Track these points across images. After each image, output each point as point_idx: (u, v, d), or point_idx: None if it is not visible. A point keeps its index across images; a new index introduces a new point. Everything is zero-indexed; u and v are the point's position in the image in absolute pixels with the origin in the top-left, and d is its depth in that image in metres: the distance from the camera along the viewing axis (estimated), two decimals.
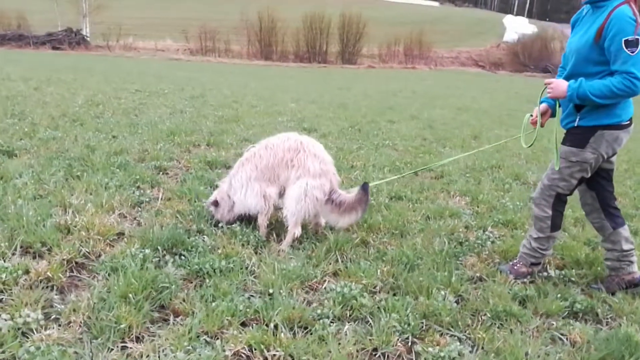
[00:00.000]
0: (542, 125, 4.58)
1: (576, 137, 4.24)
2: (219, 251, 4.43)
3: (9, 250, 4.03)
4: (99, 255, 4.18)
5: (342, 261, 4.51)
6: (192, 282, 3.95)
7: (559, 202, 4.49)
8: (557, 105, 4.51)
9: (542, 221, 4.54)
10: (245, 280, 3.99)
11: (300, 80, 35.66)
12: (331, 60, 61.11)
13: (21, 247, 4.12)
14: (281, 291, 3.79)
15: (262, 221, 5.00)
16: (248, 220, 5.16)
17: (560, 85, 4.11)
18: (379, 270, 4.30)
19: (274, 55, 60.39)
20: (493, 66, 64.72)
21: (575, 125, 4.22)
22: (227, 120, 12.11)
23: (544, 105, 4.56)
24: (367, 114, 16.15)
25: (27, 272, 3.71)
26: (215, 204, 5.13)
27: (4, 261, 3.80)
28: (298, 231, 4.84)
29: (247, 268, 4.20)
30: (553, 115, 4.58)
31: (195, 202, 5.64)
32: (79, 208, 5.03)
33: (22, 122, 9.32)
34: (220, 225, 5.08)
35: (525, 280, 4.56)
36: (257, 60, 58.30)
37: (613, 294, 4.44)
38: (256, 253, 4.55)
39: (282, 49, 61.06)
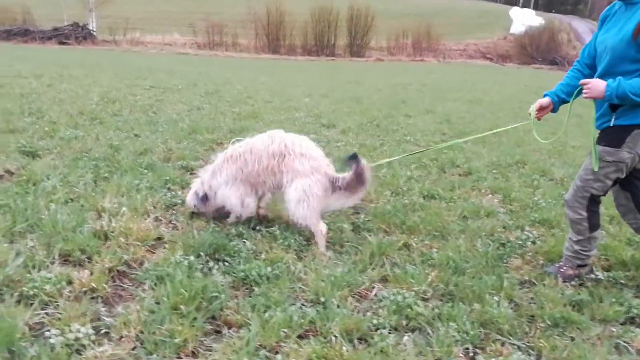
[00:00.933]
0: (538, 119, 4.48)
1: (612, 137, 4.09)
2: (263, 256, 4.30)
3: (47, 259, 3.90)
4: (142, 263, 4.05)
5: (388, 266, 4.36)
6: (238, 290, 3.81)
7: (593, 203, 4.34)
8: (558, 103, 4.45)
9: (578, 224, 4.39)
10: (293, 287, 3.85)
11: (309, 74, 35.48)
12: (339, 53, 60.94)
13: (59, 255, 3.99)
14: (333, 300, 3.65)
15: (233, 220, 5.07)
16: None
17: (598, 85, 3.93)
18: (429, 276, 4.14)
19: (282, 49, 60.23)
20: (500, 58, 64.44)
21: (611, 125, 4.07)
22: (245, 116, 11.98)
23: (546, 99, 4.44)
24: (382, 109, 15.98)
25: (69, 282, 3.58)
26: (205, 198, 5.03)
27: (46, 271, 3.67)
28: (323, 228, 4.73)
29: (293, 274, 4.05)
30: (554, 110, 4.49)
31: None
32: (113, 212, 4.89)
33: (41, 120, 9.19)
34: (257, 228, 4.95)
35: (573, 282, 4.42)
36: (265, 54, 58.17)
37: None
38: (299, 258, 4.41)
39: (289, 42, 60.89)
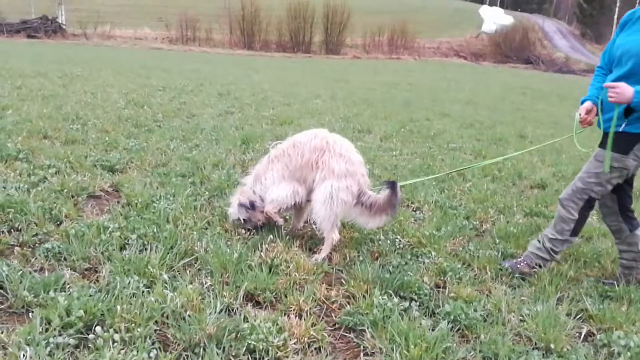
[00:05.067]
0: (590, 124, 4.38)
1: (620, 143, 4.11)
2: (452, 294, 4.00)
3: (235, 301, 3.56)
4: (342, 306, 3.73)
5: (567, 301, 4.10)
6: (452, 336, 3.50)
7: (588, 206, 4.39)
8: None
9: (565, 223, 4.42)
10: (505, 332, 3.56)
11: (294, 71, 35.16)
12: (314, 50, 60.54)
13: (245, 296, 3.65)
14: (565, 347, 3.40)
15: (274, 209, 4.78)
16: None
17: (626, 90, 3.85)
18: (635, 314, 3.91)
19: (256, 45, 59.53)
20: (474, 57, 64.96)
21: (621, 130, 4.07)
22: (280, 122, 11.66)
23: (589, 103, 4.36)
24: (400, 111, 15.87)
25: (280, 330, 3.23)
26: (252, 206, 4.79)
27: (247, 317, 3.33)
28: (336, 236, 4.57)
29: (501, 317, 3.75)
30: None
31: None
32: (262, 241, 4.54)
33: (87, 127, 8.75)
34: (409, 257, 4.65)
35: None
36: (240, 49, 57.43)
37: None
38: (481, 292, 4.12)
39: (264, 38, 60.21)
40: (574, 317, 3.84)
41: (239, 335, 3.12)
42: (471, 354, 3.27)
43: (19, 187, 5.11)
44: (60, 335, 2.91)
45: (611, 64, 4.30)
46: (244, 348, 3.02)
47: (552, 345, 3.39)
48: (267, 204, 4.76)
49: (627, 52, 4.02)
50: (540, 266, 4.51)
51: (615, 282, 4.47)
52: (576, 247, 5.25)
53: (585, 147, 4.56)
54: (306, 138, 4.70)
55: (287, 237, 4.70)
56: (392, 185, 4.55)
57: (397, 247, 4.89)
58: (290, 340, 3.15)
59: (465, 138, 11.97)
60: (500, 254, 4.94)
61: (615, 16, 64.06)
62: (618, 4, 68.41)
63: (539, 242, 4.58)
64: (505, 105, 22.46)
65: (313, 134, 4.73)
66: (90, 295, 3.29)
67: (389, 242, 4.94)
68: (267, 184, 4.75)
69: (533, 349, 3.40)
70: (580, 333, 3.70)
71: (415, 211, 6.16)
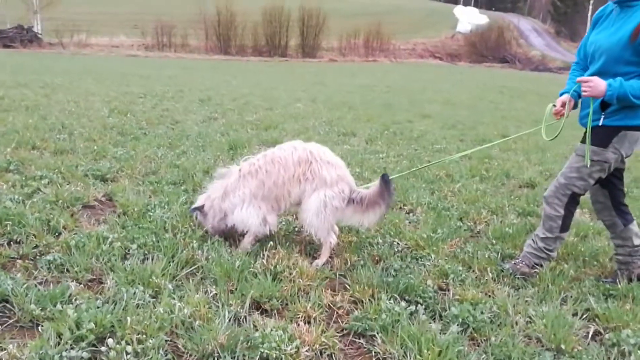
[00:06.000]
0: (563, 115, 4.40)
1: (599, 137, 4.15)
2: (456, 297, 4.01)
3: (242, 309, 3.54)
4: (348, 311, 3.72)
5: (571, 301, 4.13)
6: (462, 339, 3.50)
7: (573, 202, 4.41)
8: (578, 98, 4.38)
9: (552, 220, 4.45)
10: (514, 333, 3.57)
11: (272, 75, 35.11)
12: (290, 53, 60.53)
13: (251, 304, 3.63)
14: (577, 347, 3.43)
15: (250, 242, 4.65)
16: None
17: (599, 84, 3.90)
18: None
19: (233, 50, 59.39)
20: (449, 57, 65.40)
21: (600, 124, 4.12)
22: (265, 126, 11.62)
23: (566, 96, 4.39)
24: (381, 114, 15.87)
25: (291, 338, 3.21)
26: (201, 209, 4.71)
27: (257, 326, 3.32)
28: (333, 240, 4.60)
29: (508, 318, 3.76)
30: (576, 106, 4.44)
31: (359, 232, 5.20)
32: (256, 247, 4.55)
33: (74, 137, 8.67)
34: (409, 260, 4.66)
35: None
36: (216, 54, 57.25)
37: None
38: (486, 295, 4.13)
39: (240, 42, 60.09)
40: (580, 317, 3.84)
41: (251, 344, 3.10)
42: (483, 357, 3.27)
43: (13, 199, 5.06)
44: (72, 348, 2.86)
45: (587, 60, 4.35)
46: (257, 357, 3.00)
47: (562, 346, 3.40)
48: (245, 237, 4.67)
49: (598, 48, 4.09)
50: (540, 265, 4.53)
51: (615, 279, 4.48)
52: (574, 247, 5.29)
53: (550, 137, 4.50)
54: (286, 152, 4.57)
55: (287, 243, 4.68)
56: (383, 177, 4.50)
57: (396, 250, 4.89)
58: (302, 347, 3.14)
59: (449, 139, 12.04)
60: (498, 255, 4.95)
61: (589, 13, 65.09)
62: (591, 2, 69.33)
63: (533, 242, 4.60)
64: (484, 104, 22.64)
65: (292, 146, 4.62)
66: (98, 307, 3.25)
67: (387, 245, 4.95)
68: (235, 201, 4.57)
69: (544, 350, 3.40)
70: (588, 333, 3.71)
71: (408, 213, 6.17)
